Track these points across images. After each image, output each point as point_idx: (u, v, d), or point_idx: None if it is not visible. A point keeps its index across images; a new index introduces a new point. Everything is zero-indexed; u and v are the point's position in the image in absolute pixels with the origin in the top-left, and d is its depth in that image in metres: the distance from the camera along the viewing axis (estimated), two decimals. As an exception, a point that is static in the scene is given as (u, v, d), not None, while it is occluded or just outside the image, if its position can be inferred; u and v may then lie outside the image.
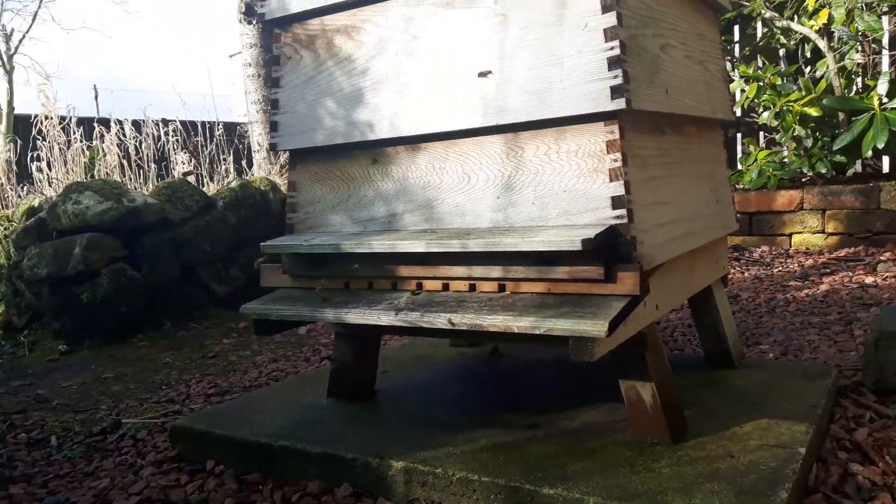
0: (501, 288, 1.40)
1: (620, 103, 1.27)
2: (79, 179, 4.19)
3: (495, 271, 1.38)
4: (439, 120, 1.46)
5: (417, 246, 1.40)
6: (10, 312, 3.37)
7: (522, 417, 1.61)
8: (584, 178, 1.34)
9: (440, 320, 1.33)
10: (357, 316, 1.43)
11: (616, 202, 1.30)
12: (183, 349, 2.96)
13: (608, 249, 1.28)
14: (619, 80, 1.27)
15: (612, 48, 1.28)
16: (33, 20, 12.53)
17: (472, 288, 1.43)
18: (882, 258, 3.67)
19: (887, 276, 3.29)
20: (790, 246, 4.28)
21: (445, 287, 1.46)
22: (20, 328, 3.32)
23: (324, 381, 1.88)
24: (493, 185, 1.43)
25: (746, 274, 3.66)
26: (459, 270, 1.43)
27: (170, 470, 1.69)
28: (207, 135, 5.48)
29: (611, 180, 1.31)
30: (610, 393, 1.63)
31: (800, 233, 4.25)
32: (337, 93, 1.59)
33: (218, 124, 5.47)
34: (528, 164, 1.40)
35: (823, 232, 4.16)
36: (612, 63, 1.28)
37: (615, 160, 1.31)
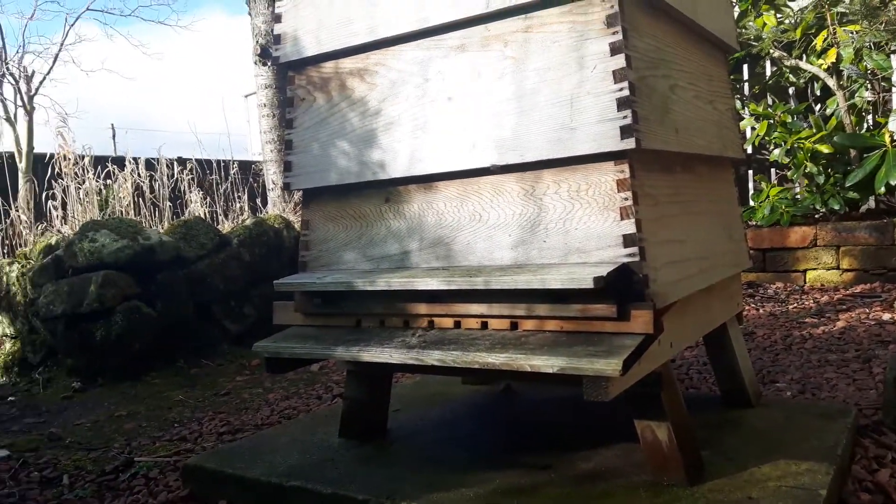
0: (514, 326, 1.40)
1: (630, 143, 1.28)
2: (94, 218, 4.24)
3: (508, 309, 1.38)
4: (452, 160, 1.47)
5: (432, 283, 1.40)
6: (26, 349, 3.39)
7: (536, 458, 1.59)
8: (596, 217, 1.34)
9: (452, 359, 1.33)
10: (369, 354, 1.43)
11: (628, 240, 1.31)
12: (196, 386, 2.95)
13: (621, 287, 1.28)
14: (628, 121, 1.28)
15: (621, 89, 1.29)
16: (54, 62, 12.77)
17: (484, 326, 1.43)
18: (899, 295, 3.63)
19: (904, 313, 3.25)
20: (805, 282, 4.25)
21: (457, 325, 1.46)
22: (35, 365, 3.33)
23: (335, 418, 1.87)
24: (506, 224, 1.44)
25: (761, 311, 3.63)
26: (472, 308, 1.43)
27: (181, 510, 1.68)
28: (222, 173, 5.55)
29: (622, 218, 1.32)
30: (625, 432, 1.61)
31: (814, 269, 4.22)
32: (350, 133, 1.61)
33: (233, 163, 5.54)
34: (541, 203, 1.40)
35: (838, 268, 4.13)
36: (622, 104, 1.29)
37: (626, 199, 1.31)
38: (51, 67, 12.99)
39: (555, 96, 1.36)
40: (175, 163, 5.59)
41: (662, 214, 1.42)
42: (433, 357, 1.35)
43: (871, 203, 4.55)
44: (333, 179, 1.64)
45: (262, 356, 1.61)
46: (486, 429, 1.87)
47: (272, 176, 5.36)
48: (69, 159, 4.93)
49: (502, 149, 1.41)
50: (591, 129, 1.32)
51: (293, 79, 1.72)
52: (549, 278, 1.28)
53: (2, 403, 2.99)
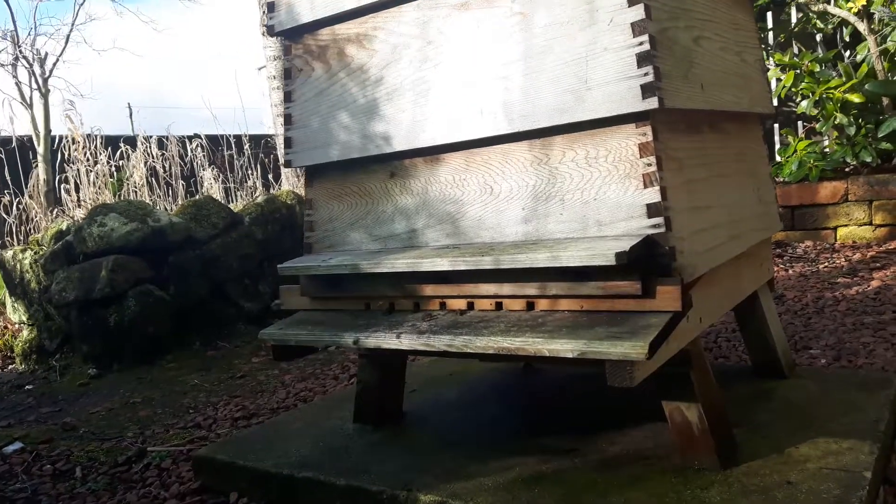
0: (530, 306, 1.30)
1: (652, 102, 1.17)
2: (106, 201, 4.19)
3: (523, 288, 1.29)
4: (458, 129, 1.37)
5: (440, 264, 1.31)
6: (42, 336, 3.37)
7: (559, 441, 1.51)
8: (616, 186, 1.24)
9: (463, 343, 1.24)
10: (377, 340, 1.35)
11: (652, 210, 1.20)
12: (212, 370, 2.91)
13: (645, 262, 1.18)
14: (649, 78, 1.17)
15: (640, 43, 1.18)
16: (66, 43, 12.62)
17: (499, 307, 1.34)
18: (936, 250, 3.48)
19: (943, 270, 3.11)
20: (835, 240, 4.10)
21: (470, 306, 1.37)
22: (52, 352, 3.31)
23: (350, 401, 1.81)
24: (518, 197, 1.34)
25: (790, 271, 3.50)
26: (485, 288, 1.34)
27: (193, 503, 1.63)
28: (234, 148, 5.47)
29: (645, 186, 1.21)
30: (653, 411, 1.53)
31: (845, 225, 4.06)
32: (350, 105, 1.51)
33: (245, 137, 5.46)
34: (555, 172, 1.30)
35: (871, 224, 3.97)
36: (642, 59, 1.17)
37: (649, 164, 1.20)
38: (63, 48, 12.86)
39: (568, 54, 1.24)
40: (187, 140, 5.51)
41: (688, 179, 1.31)
42: (443, 342, 1.26)
43: (904, 154, 4.36)
44: (335, 155, 1.54)
45: (269, 343, 1.53)
46: (505, 410, 1.79)
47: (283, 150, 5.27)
48: (78, 142, 4.88)
49: (512, 114, 1.31)
50: (608, 88, 1.21)
51: (290, 48, 1.61)
52: (566, 255, 1.18)
53: (20, 392, 2.97)
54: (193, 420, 2.30)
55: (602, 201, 1.25)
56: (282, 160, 5.38)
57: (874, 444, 1.33)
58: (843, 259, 3.63)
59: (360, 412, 1.75)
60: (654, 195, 1.20)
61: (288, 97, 1.61)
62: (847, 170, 4.24)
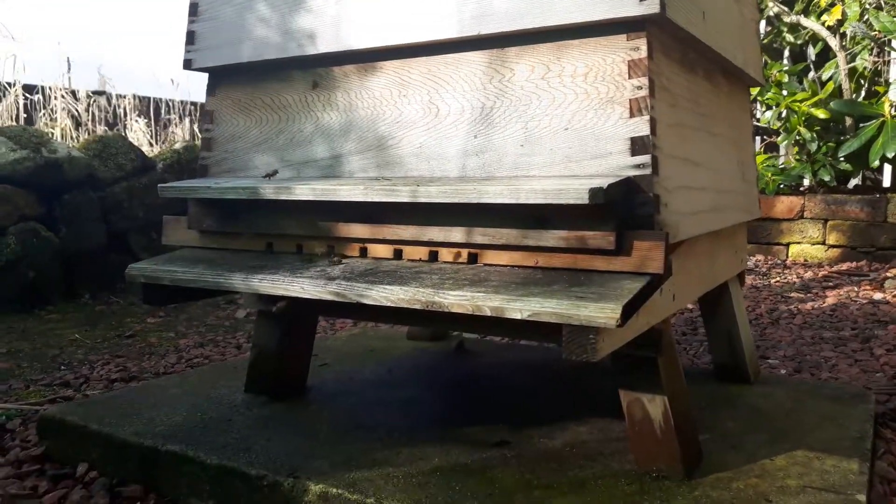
0: (472, 259, 1.03)
1: (653, 5, 0.91)
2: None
3: (464, 234, 1.02)
4: (401, 28, 1.09)
5: (357, 193, 1.03)
6: None
7: (489, 432, 1.24)
8: (595, 112, 0.97)
9: (384, 294, 0.96)
10: (273, 285, 1.05)
11: (637, 145, 0.94)
12: (98, 326, 2.54)
13: (621, 209, 0.93)
14: (652, -26, 0.91)
15: (645, -71, 0.92)
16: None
17: (434, 257, 1.06)
18: (889, 274, 3.37)
19: (898, 293, 2.99)
20: (787, 256, 3.97)
21: (398, 254, 1.09)
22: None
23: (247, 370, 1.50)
24: (469, 120, 1.07)
25: (741, 282, 3.34)
26: (416, 232, 1.06)
27: (29, 473, 1.31)
28: (164, 107, 5.09)
29: (631, 115, 0.95)
30: (601, 406, 1.28)
31: (798, 243, 3.94)
32: (272, -8, 1.21)
33: (182, 102, 5.08)
34: (518, 91, 1.03)
35: (824, 243, 3.86)
36: (645, -51, 0.92)
37: (639, 87, 0.95)
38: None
39: (550, -65, 0.97)
40: (115, 95, 5.11)
41: (681, 122, 1.06)
42: (356, 291, 0.97)
43: (858, 180, 4.29)
44: (247, 54, 1.24)
45: (138, 281, 1.22)
46: (428, 394, 1.51)
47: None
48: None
49: (465, 13, 1.03)
50: (597, -15, 0.94)
51: (204, -78, 1.30)
52: (526, 189, 0.91)
53: None
54: (62, 378, 1.94)
55: (575, 131, 0.99)
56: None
57: (863, 464, 1.11)
58: (795, 276, 3.49)
59: (252, 380, 1.45)
60: (641, 127, 0.94)
61: (197, -20, 1.30)
62: (801, 188, 4.14)
